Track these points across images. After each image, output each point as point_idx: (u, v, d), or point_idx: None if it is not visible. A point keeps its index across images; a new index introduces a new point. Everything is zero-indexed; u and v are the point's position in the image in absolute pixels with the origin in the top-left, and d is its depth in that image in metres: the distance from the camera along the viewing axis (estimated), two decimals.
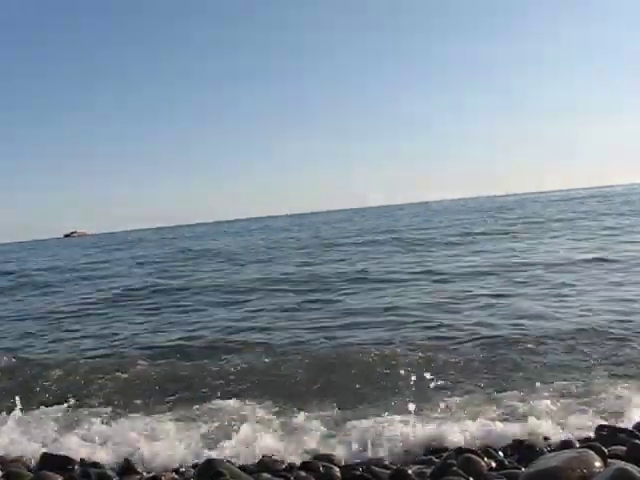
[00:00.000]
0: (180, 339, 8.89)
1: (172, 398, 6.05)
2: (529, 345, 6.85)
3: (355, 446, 4.25)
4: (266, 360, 7.14)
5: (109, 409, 5.77)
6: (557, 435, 4.07)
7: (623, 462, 3.17)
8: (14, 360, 8.34)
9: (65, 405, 5.83)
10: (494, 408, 4.96)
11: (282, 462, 4.05)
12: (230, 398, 5.74)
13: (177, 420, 5.22)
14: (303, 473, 3.74)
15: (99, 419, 5.26)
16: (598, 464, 3.12)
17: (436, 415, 4.83)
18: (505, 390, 5.46)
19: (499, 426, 4.32)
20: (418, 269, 14.27)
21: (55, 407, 5.83)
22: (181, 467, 4.17)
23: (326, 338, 8.07)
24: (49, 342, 9.71)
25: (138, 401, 6.02)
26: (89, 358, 8.14)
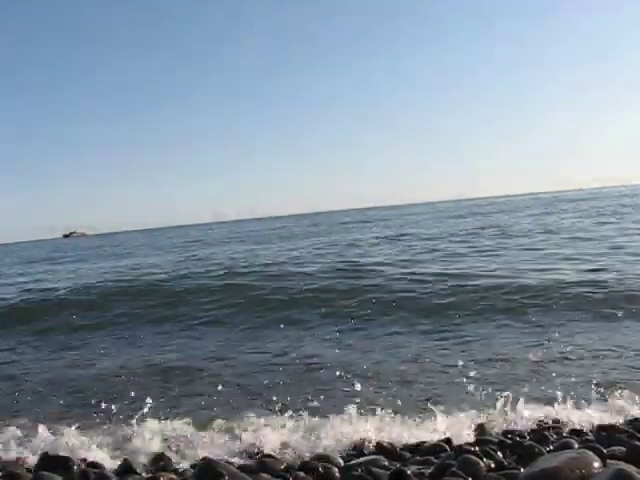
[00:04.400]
0: None
1: None
2: None
3: None
4: None
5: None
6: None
7: (622, 463, 3.18)
8: None
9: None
10: None
11: (282, 462, 4.06)
12: None
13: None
14: (302, 474, 3.75)
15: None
16: (597, 465, 3.13)
17: None
18: None
19: None
20: None
21: None
22: (180, 467, 4.17)
23: None
24: None
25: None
26: None
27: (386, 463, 3.90)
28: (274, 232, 43.09)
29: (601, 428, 4.11)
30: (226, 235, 45.70)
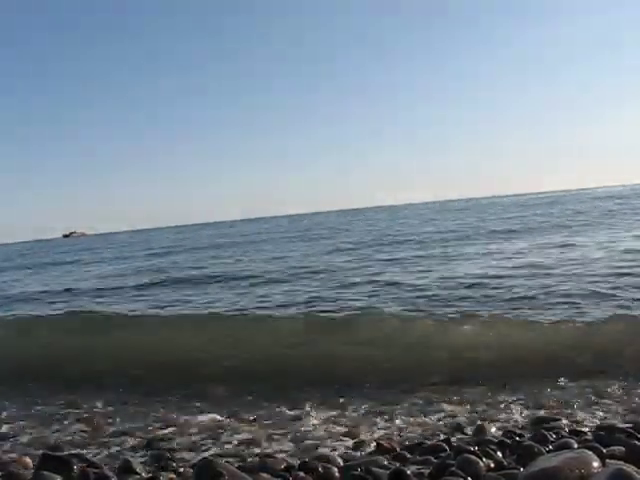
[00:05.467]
0: None
1: None
2: None
3: None
4: None
5: None
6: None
7: (622, 462, 3.18)
8: None
9: None
10: None
11: (281, 462, 4.06)
12: None
13: None
14: (302, 474, 3.75)
15: None
16: (596, 464, 3.13)
17: None
18: None
19: None
20: None
21: None
22: (179, 467, 4.17)
23: None
24: None
25: None
26: None
27: (386, 463, 3.91)
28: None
29: (600, 428, 4.11)
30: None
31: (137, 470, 4.12)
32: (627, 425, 4.20)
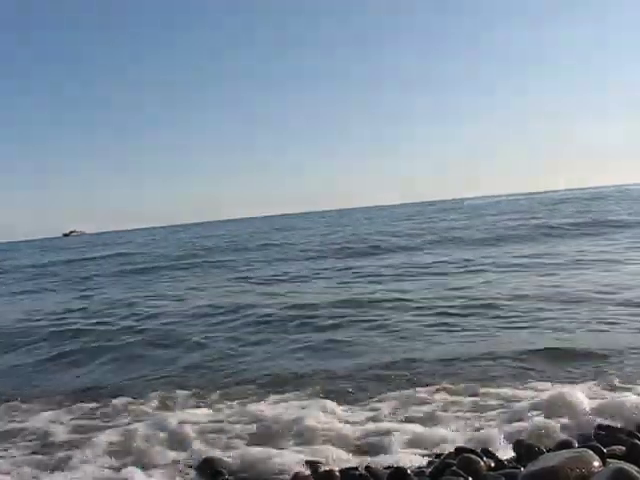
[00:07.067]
0: None
1: None
2: None
3: None
4: None
5: None
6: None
7: (622, 462, 3.17)
8: None
9: None
10: None
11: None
12: None
13: None
14: (302, 473, 3.72)
15: None
16: (597, 464, 3.12)
17: None
18: None
19: None
20: None
21: None
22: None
23: None
24: None
25: None
26: None
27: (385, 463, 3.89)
28: None
29: (601, 427, 4.09)
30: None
31: None
32: (627, 425, 4.18)
